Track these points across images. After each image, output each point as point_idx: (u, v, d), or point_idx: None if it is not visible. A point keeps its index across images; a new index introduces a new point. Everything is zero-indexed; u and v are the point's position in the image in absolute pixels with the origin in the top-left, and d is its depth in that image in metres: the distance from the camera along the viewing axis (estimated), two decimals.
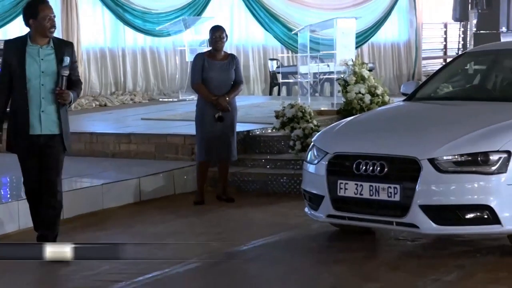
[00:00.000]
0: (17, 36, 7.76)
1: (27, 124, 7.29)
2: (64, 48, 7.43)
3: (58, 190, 7.60)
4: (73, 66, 7.48)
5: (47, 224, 7.57)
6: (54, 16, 7.39)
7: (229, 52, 10.58)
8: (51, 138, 7.42)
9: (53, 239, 7.48)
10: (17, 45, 7.38)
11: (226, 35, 10.18)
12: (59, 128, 7.41)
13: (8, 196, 9.80)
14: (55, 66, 7.32)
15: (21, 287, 6.95)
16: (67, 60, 7.28)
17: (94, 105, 16.46)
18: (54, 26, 7.35)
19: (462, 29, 27.36)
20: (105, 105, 16.59)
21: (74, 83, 7.49)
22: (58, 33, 15.56)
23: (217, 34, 10.04)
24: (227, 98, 9.89)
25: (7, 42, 7.63)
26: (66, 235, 8.54)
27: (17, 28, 15.10)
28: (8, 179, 10.76)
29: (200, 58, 10.15)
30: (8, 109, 7.52)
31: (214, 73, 9.95)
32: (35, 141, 7.37)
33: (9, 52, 7.40)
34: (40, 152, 7.44)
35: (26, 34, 7.41)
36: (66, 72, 7.29)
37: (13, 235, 8.54)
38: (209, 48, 10.28)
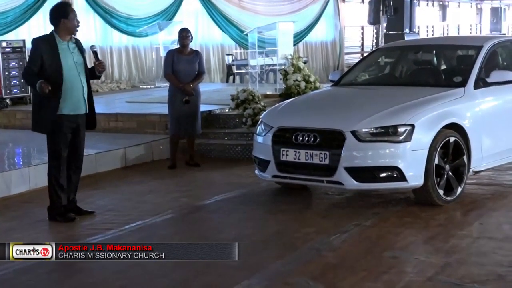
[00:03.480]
0: (42, 35, 7.28)
1: (70, 107, 6.97)
2: (79, 42, 7.20)
3: (82, 154, 7.44)
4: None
5: (75, 189, 7.38)
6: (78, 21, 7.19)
7: (194, 49, 10.50)
8: (83, 117, 7.17)
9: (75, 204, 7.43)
10: (49, 43, 6.94)
11: (191, 35, 10.14)
12: (88, 108, 7.17)
13: (21, 163, 9.68)
14: (81, 57, 7.09)
15: (29, 235, 6.85)
16: (86, 50, 7.23)
17: None
18: (79, 25, 7.15)
19: (375, 31, 27.42)
20: (97, 91, 16.34)
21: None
22: None
23: (183, 33, 10.03)
24: (191, 85, 9.85)
25: (38, 40, 7.07)
26: None
27: (26, 29, 14.97)
28: (20, 150, 10.64)
29: (170, 54, 10.12)
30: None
31: (182, 65, 9.91)
32: (75, 120, 7.08)
33: (41, 48, 6.92)
34: (74, 130, 7.15)
35: (51, 33, 7.02)
36: (95, 47, 7.25)
37: (26, 194, 8.44)
38: (178, 46, 10.21)
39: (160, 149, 10.69)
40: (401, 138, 7.13)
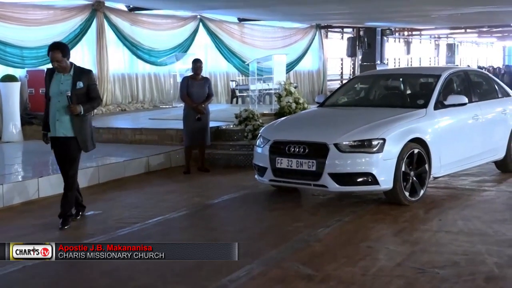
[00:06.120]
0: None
1: (50, 128, 6.71)
2: (80, 75, 6.62)
3: (69, 179, 6.74)
4: (90, 87, 6.65)
5: (62, 204, 6.78)
6: (57, 59, 6.50)
7: (204, 75, 10.51)
8: (67, 140, 6.63)
9: (64, 218, 6.73)
10: (49, 73, 6.71)
11: (202, 65, 10.17)
12: (73, 132, 6.62)
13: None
14: (70, 88, 6.54)
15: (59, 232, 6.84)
16: (79, 84, 6.57)
17: (118, 110, 16.26)
18: (58, 65, 6.54)
19: (352, 62, 27.53)
20: (125, 110, 16.39)
21: (90, 99, 6.64)
22: (93, 64, 15.56)
23: (199, 64, 10.05)
24: (203, 105, 9.87)
25: (46, 70, 6.84)
26: (102, 193, 8.49)
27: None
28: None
29: (185, 79, 10.14)
30: None
31: (194, 89, 9.92)
32: (55, 141, 6.72)
33: (45, 78, 6.74)
34: (60, 149, 6.71)
35: None
36: (68, 92, 6.49)
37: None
38: (192, 73, 10.22)
39: (177, 157, 10.68)
40: (374, 149, 7.13)
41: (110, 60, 16.07)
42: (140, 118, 14.16)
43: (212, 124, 10.59)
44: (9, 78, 12.81)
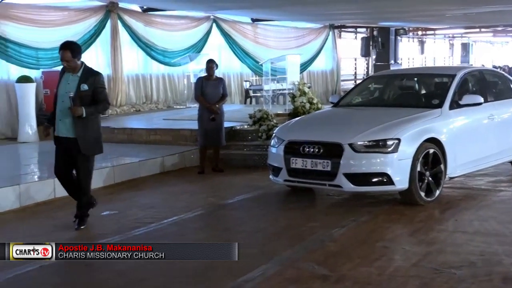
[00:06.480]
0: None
1: (56, 128, 6.60)
2: (88, 76, 6.49)
3: (80, 177, 6.62)
4: (96, 90, 6.49)
5: (79, 206, 6.75)
6: (67, 58, 6.41)
7: (218, 76, 10.52)
8: (69, 140, 6.51)
9: (79, 218, 6.72)
10: (61, 73, 6.66)
11: (216, 65, 10.19)
12: (74, 134, 6.50)
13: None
14: (75, 89, 6.44)
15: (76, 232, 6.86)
16: (83, 86, 6.44)
17: (132, 110, 16.33)
18: (67, 65, 6.45)
19: (366, 62, 27.47)
20: (139, 110, 16.46)
21: (96, 102, 6.50)
22: (108, 65, 15.63)
23: (210, 64, 10.05)
24: (217, 106, 9.88)
25: (61, 69, 6.76)
26: (117, 194, 8.53)
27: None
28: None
29: (200, 80, 10.15)
30: None
31: (209, 89, 9.93)
32: (58, 139, 6.62)
33: (59, 76, 6.69)
34: (62, 149, 6.59)
35: None
36: (71, 94, 6.39)
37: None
38: (206, 74, 10.23)
39: (191, 157, 10.70)
40: (389, 149, 7.11)
41: (124, 61, 16.14)
42: (154, 118, 14.19)
43: (226, 124, 10.58)
44: (25, 79, 12.90)
